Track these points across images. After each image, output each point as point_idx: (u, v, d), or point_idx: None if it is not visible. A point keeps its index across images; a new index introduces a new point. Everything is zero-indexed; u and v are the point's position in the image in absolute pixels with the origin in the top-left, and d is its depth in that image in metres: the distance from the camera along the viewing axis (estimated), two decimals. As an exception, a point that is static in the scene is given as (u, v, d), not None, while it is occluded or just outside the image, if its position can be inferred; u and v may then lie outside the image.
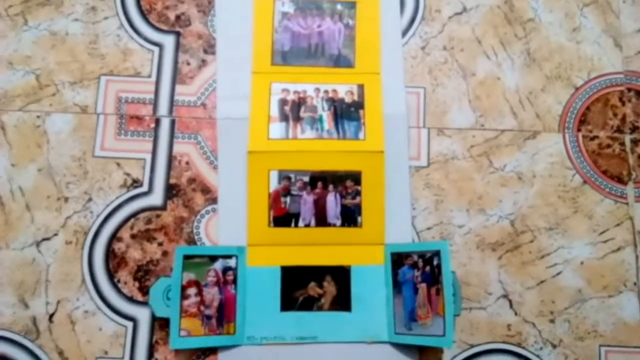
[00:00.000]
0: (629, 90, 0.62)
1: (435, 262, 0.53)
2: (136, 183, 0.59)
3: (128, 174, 0.60)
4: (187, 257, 0.55)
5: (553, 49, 0.63)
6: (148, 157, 0.60)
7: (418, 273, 0.54)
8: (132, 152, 0.60)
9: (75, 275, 0.57)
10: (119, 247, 0.58)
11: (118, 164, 0.60)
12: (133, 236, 0.58)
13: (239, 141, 0.60)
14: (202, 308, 0.54)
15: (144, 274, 0.57)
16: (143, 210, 0.59)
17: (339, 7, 0.62)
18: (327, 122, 0.59)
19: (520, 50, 0.63)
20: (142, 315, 0.56)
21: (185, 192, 0.59)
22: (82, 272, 0.57)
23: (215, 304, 0.55)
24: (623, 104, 0.62)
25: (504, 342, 0.56)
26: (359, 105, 0.59)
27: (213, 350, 0.55)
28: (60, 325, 0.56)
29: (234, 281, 0.56)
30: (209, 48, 0.63)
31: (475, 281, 0.57)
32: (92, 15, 0.64)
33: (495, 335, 0.56)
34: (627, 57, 0.63)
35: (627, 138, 0.61)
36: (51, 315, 0.56)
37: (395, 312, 0.54)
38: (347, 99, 0.60)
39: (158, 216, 0.59)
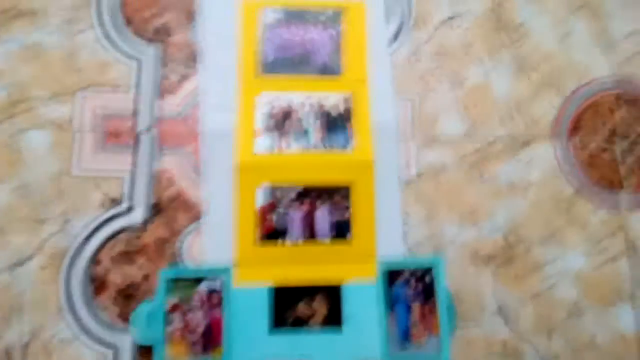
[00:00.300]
0: (619, 96, 0.61)
1: (428, 279, 0.51)
2: (115, 202, 0.57)
3: (106, 193, 0.57)
4: (171, 281, 0.52)
5: (543, 56, 0.62)
6: (128, 174, 0.58)
7: (411, 291, 0.52)
8: (111, 170, 0.58)
9: (51, 301, 0.54)
10: (98, 270, 0.55)
11: (96, 183, 0.57)
12: (113, 259, 0.55)
13: (224, 155, 0.57)
14: (186, 333, 0.51)
15: (125, 299, 0.55)
16: (123, 230, 0.56)
17: (324, 16, 0.61)
18: (315, 135, 0.57)
19: (510, 58, 0.62)
20: (124, 342, 0.53)
21: (167, 210, 0.57)
22: (59, 297, 0.54)
23: (201, 328, 0.52)
24: (614, 111, 0.61)
25: None
26: (346, 115, 0.58)
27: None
28: (35, 355, 0.53)
29: (220, 303, 0.53)
30: (191, 60, 0.61)
31: (469, 296, 0.55)
32: (68, 27, 0.62)
33: (492, 354, 0.54)
34: (617, 63, 0.62)
35: (618, 146, 0.60)
36: (26, 345, 0.53)
37: (389, 332, 0.52)
38: (334, 110, 0.58)
39: (139, 237, 0.56)
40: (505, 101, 0.61)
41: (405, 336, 0.51)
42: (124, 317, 0.54)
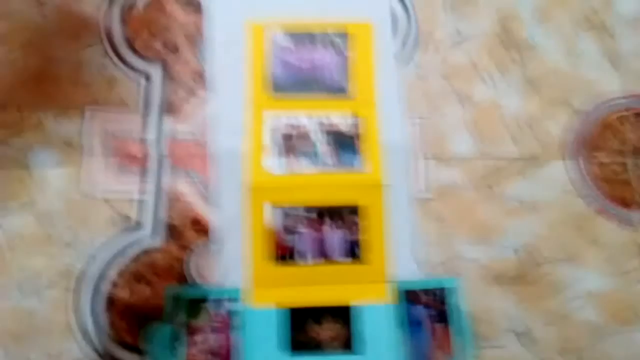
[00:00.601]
0: (630, 112, 0.61)
1: (446, 301, 0.50)
2: (125, 221, 0.56)
3: (117, 212, 0.57)
4: (181, 300, 0.52)
5: (551, 74, 0.62)
6: (138, 193, 0.57)
7: (428, 312, 0.52)
8: (120, 189, 0.57)
9: (61, 321, 0.53)
10: (109, 290, 0.55)
11: (106, 201, 0.57)
12: (124, 278, 0.55)
13: (234, 174, 0.57)
14: (198, 355, 0.51)
15: (136, 318, 0.54)
16: (133, 250, 0.56)
17: (331, 37, 0.61)
18: (324, 155, 0.57)
19: (518, 76, 0.62)
20: (133, 362, 0.53)
21: (177, 229, 0.56)
22: (67, 316, 0.54)
23: (214, 350, 0.51)
24: (625, 127, 0.60)
25: (515, 381, 0.53)
26: (355, 135, 0.58)
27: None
28: (44, 376, 0.52)
29: (232, 325, 0.53)
30: (199, 78, 0.61)
31: (488, 318, 0.55)
32: (75, 42, 0.62)
33: (507, 374, 0.53)
34: (626, 80, 0.62)
35: (631, 162, 0.59)
36: (34, 366, 0.52)
37: (405, 354, 0.52)
38: (344, 130, 0.58)
39: (150, 256, 0.56)
40: (516, 119, 0.60)
41: (423, 358, 0.51)
42: (135, 336, 0.53)
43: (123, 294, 0.54)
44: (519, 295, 0.55)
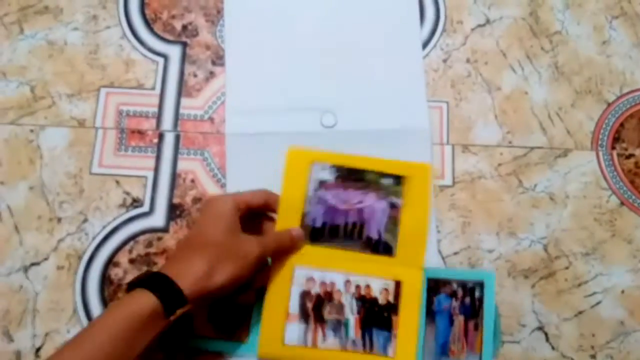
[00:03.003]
0: (665, 106, 0.58)
1: (477, 294, 0.48)
2: (136, 203, 0.55)
3: (128, 193, 0.55)
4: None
5: (582, 63, 0.60)
6: (150, 174, 0.55)
7: (456, 303, 0.49)
8: (132, 169, 0.56)
9: (66, 304, 0.51)
10: (115, 272, 0.53)
11: (117, 182, 0.55)
12: (132, 261, 0.53)
13: (249, 158, 0.55)
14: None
15: (143, 303, 0.52)
16: (143, 232, 0.54)
17: (385, 181, 0.53)
18: (354, 329, 0.49)
19: (548, 64, 0.59)
20: (140, 349, 0.50)
21: (190, 212, 0.54)
22: (74, 300, 0.52)
23: None
24: (659, 120, 0.58)
25: (541, 380, 0.50)
26: (392, 309, 0.49)
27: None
28: (48, 361, 0.50)
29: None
30: (218, 59, 0.59)
31: (508, 312, 0.52)
32: (93, 24, 0.60)
33: (531, 373, 0.51)
34: (660, 72, 0.59)
35: (665, 156, 0.57)
36: (38, 349, 0.50)
37: (425, 344, 0.49)
38: (381, 300, 0.49)
39: (160, 239, 0.53)
40: (545, 109, 0.58)
41: (443, 350, 0.48)
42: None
43: (130, 276, 0.52)
44: (539, 289, 0.52)
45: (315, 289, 0.50)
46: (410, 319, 0.49)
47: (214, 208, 0.46)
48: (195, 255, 0.43)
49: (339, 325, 0.49)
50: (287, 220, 0.51)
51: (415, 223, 0.52)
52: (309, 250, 0.51)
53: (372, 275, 0.50)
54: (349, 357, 0.48)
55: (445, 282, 0.50)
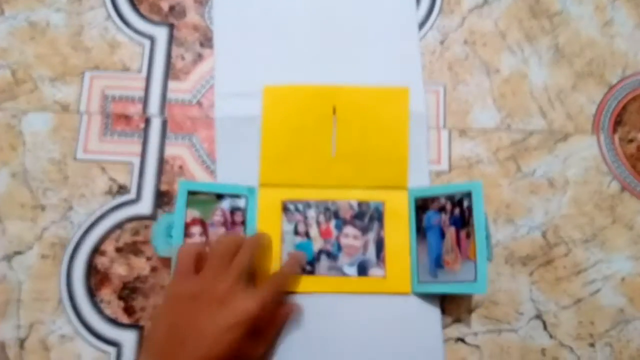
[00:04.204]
0: (668, 88, 0.56)
1: (465, 204, 0.47)
2: (122, 189, 0.53)
3: (113, 180, 0.53)
4: (191, 194, 0.49)
5: (584, 44, 0.58)
6: (136, 160, 0.54)
7: (446, 217, 0.49)
8: (118, 155, 0.54)
9: (51, 294, 0.50)
10: (101, 261, 0.51)
11: (102, 168, 0.53)
12: (118, 249, 0.51)
13: (239, 143, 0.53)
14: (207, 249, 0.47)
15: (130, 293, 0.50)
16: (130, 220, 0.52)
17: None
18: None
19: (548, 46, 0.58)
20: (127, 339, 0.49)
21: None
22: (60, 290, 0.50)
23: None
24: (662, 103, 0.56)
25: (538, 370, 0.49)
26: None
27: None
28: (32, 352, 0.49)
29: (243, 222, 0.50)
30: (206, 41, 0.57)
31: (505, 300, 0.51)
32: (77, 5, 0.58)
33: (529, 362, 0.49)
34: (664, 53, 0.57)
35: (668, 141, 0.55)
36: (22, 341, 0.49)
37: (419, 261, 0.49)
38: None
39: (147, 227, 0.52)
40: (545, 92, 0.56)
41: (437, 263, 0.48)
42: (129, 312, 0.50)
43: (119, 268, 0.51)
44: (537, 277, 0.51)
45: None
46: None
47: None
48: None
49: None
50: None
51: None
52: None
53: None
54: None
55: (434, 199, 0.50)
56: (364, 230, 0.51)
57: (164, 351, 0.40)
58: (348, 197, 0.52)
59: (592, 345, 0.50)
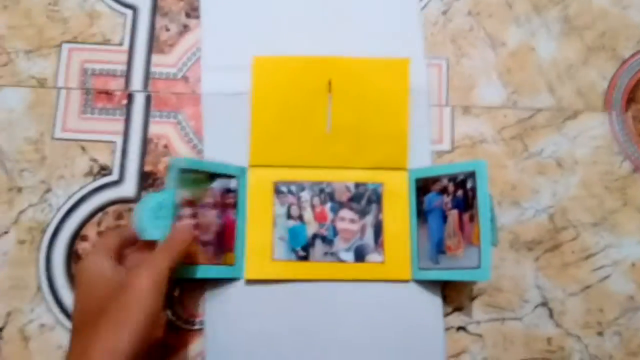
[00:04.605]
0: (684, 62, 0.53)
1: (469, 185, 0.44)
2: (104, 170, 0.50)
3: (95, 160, 0.50)
4: (182, 172, 0.44)
5: (595, 16, 0.54)
6: (119, 139, 0.50)
7: (448, 199, 0.46)
8: (99, 134, 0.50)
9: (29, 281, 0.47)
10: (83, 247, 0.48)
11: (83, 148, 0.50)
12: (100, 234, 0.48)
13: (227, 121, 0.50)
14: (198, 232, 0.44)
15: (113, 280, 0.47)
16: (112, 202, 0.49)
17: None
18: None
19: (557, 17, 0.54)
20: (111, 329, 0.46)
21: (163, 181, 0.49)
22: (38, 277, 0.47)
23: (214, 228, 0.45)
24: (678, 78, 0.53)
25: (543, 359, 0.47)
26: None
27: (199, 286, 0.46)
28: (10, 342, 0.46)
29: (235, 205, 0.47)
30: (192, 11, 0.53)
31: (509, 286, 0.48)
32: (53, -28, 0.54)
33: (534, 351, 0.47)
34: (681, 25, 0.54)
35: (683, 118, 0.52)
36: (0, 330, 0.46)
37: (419, 245, 0.47)
38: None
39: (130, 210, 0.49)
40: (554, 66, 0.53)
41: (439, 249, 0.46)
42: (112, 301, 0.47)
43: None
44: (543, 262, 0.49)
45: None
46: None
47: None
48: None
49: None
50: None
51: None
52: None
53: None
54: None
55: (435, 180, 0.47)
56: (362, 214, 0.48)
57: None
58: (344, 179, 0.49)
59: (600, 334, 0.47)
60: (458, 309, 0.48)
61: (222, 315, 0.46)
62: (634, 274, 0.49)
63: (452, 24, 0.54)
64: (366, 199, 0.49)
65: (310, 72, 0.50)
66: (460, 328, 0.47)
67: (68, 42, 0.52)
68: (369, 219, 0.48)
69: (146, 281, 0.37)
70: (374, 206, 0.49)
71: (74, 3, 0.53)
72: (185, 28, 0.53)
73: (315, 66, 0.50)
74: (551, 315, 0.48)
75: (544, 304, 0.48)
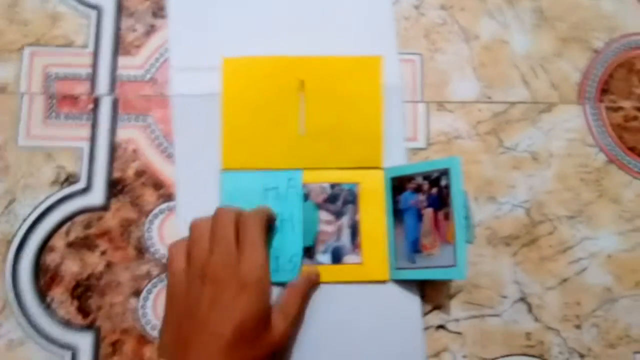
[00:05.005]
0: (656, 52, 0.53)
1: (443, 183, 0.44)
2: (71, 178, 0.48)
3: (61, 167, 0.48)
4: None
5: (568, 7, 0.54)
6: (86, 145, 0.49)
7: (423, 197, 0.45)
8: (65, 140, 0.49)
9: (-5, 295, 0.46)
10: (51, 258, 0.47)
11: (48, 155, 0.48)
12: (69, 244, 0.47)
13: (198, 123, 0.49)
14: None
15: (84, 291, 0.46)
16: (81, 211, 0.47)
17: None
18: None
19: (531, 9, 0.54)
20: (83, 342, 0.45)
21: (133, 187, 0.48)
22: (5, 291, 0.46)
23: None
24: (650, 69, 0.53)
25: (523, 355, 0.47)
26: None
27: None
28: (-23, 360, 0.44)
29: None
30: (159, 10, 0.52)
31: (487, 283, 0.48)
32: (11, -28, 0.52)
33: (513, 346, 0.47)
34: (652, 15, 0.54)
35: (656, 109, 0.52)
36: (-35, 348, 0.45)
37: (396, 245, 0.46)
38: None
39: (100, 218, 0.47)
40: (526, 59, 0.52)
41: (415, 248, 0.45)
42: (84, 312, 0.46)
43: (71, 264, 0.46)
44: (521, 257, 0.48)
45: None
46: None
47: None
48: None
49: None
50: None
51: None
52: None
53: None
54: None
55: (410, 178, 0.46)
56: (338, 215, 0.48)
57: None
58: (319, 180, 0.48)
59: (578, 327, 0.48)
60: (437, 307, 0.47)
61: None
62: (610, 266, 0.49)
63: (424, 19, 0.53)
64: (342, 200, 0.48)
65: (282, 72, 0.49)
66: (440, 327, 0.47)
67: (29, 45, 0.50)
68: (345, 220, 0.48)
69: (282, 332, 0.41)
70: (350, 207, 0.48)
71: (35, 4, 0.51)
72: (152, 28, 0.51)
73: (286, 66, 0.49)
74: (530, 310, 0.48)
75: (523, 299, 0.48)
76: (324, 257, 0.47)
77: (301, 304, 0.44)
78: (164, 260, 0.47)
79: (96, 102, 0.50)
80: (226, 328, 0.37)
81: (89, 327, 0.45)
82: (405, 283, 0.47)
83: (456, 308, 0.47)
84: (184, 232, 0.44)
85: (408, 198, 0.46)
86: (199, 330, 0.37)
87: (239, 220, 0.41)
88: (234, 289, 0.38)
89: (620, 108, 0.52)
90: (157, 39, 0.51)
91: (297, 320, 0.43)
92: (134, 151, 0.49)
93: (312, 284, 0.45)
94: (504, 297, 0.48)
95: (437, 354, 0.47)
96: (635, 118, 0.52)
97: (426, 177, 0.45)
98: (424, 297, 0.47)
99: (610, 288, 0.48)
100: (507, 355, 0.47)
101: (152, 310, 0.46)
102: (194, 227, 0.42)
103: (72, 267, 0.46)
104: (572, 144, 0.51)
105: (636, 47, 0.53)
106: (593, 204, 0.50)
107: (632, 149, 0.51)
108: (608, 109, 0.52)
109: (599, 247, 0.49)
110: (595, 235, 0.49)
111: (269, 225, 0.45)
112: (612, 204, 0.50)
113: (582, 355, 0.47)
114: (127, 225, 0.47)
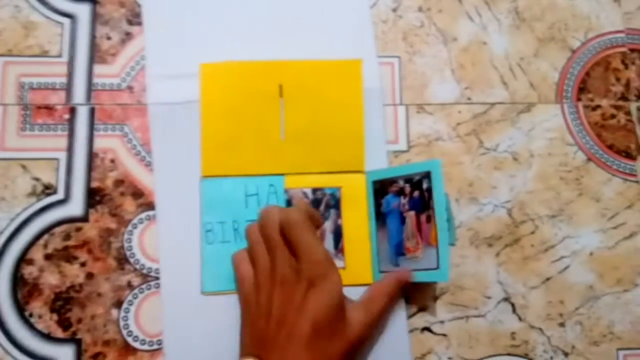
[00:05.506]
0: (632, 51, 0.54)
1: (425, 186, 0.44)
2: (49, 190, 0.47)
3: (37, 179, 0.47)
4: None
5: (545, 7, 0.54)
6: (62, 156, 0.48)
7: (405, 200, 0.45)
8: (41, 151, 0.48)
9: (-28, 311, 0.45)
10: (29, 271, 0.46)
11: (24, 167, 0.47)
12: (48, 257, 0.46)
13: (176, 131, 0.48)
14: None
15: (64, 304, 0.45)
16: (59, 223, 0.47)
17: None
18: None
19: (508, 10, 0.54)
20: (64, 355, 0.44)
21: (112, 197, 0.47)
22: (-18, 307, 0.45)
23: None
24: (626, 67, 0.53)
25: (508, 355, 0.47)
26: None
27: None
28: (-46, 378, 0.44)
29: None
30: (134, 17, 0.51)
31: (471, 284, 0.48)
32: (-17, -19, 0.51)
33: (498, 347, 0.47)
34: (627, 14, 0.54)
35: (633, 106, 0.52)
36: (-59, 367, 0.44)
37: (379, 248, 0.46)
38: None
39: (79, 229, 0.47)
40: (504, 60, 0.53)
41: (398, 251, 0.45)
42: (64, 325, 0.45)
43: (50, 277, 0.46)
44: (504, 257, 0.49)
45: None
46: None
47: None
48: None
49: None
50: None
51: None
52: None
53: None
54: None
55: (391, 182, 0.46)
56: None
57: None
58: (301, 185, 0.48)
59: (562, 325, 0.48)
60: (421, 309, 0.47)
61: (181, 331, 0.45)
62: (592, 263, 0.49)
63: (402, 21, 0.53)
64: (324, 205, 0.48)
65: (261, 77, 0.49)
66: (425, 329, 0.47)
67: (2, 55, 0.49)
68: (328, 225, 0.47)
69: (362, 327, 0.41)
70: (332, 211, 0.48)
71: (7, 13, 0.50)
72: (128, 36, 0.51)
73: (265, 71, 0.49)
74: (514, 310, 0.48)
75: (506, 299, 0.48)
76: (307, 263, 0.46)
77: (387, 303, 0.43)
78: (144, 271, 0.46)
79: (72, 111, 0.49)
80: (303, 328, 0.37)
81: (70, 339, 0.45)
82: (389, 286, 0.46)
83: (441, 310, 0.47)
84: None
85: (390, 201, 0.46)
86: (277, 331, 0.38)
87: (282, 220, 0.41)
88: (303, 288, 0.39)
89: (598, 106, 0.52)
90: (133, 46, 0.50)
91: (379, 317, 0.43)
92: (112, 160, 0.48)
93: (402, 285, 0.45)
94: (488, 297, 0.48)
95: (422, 357, 0.46)
96: (613, 116, 0.52)
97: (408, 180, 0.45)
98: (408, 300, 0.47)
99: (592, 286, 0.49)
100: (493, 356, 0.47)
101: (133, 321, 0.45)
102: (248, 233, 0.43)
103: (51, 280, 0.46)
104: (552, 143, 0.51)
105: (612, 46, 0.54)
106: (574, 203, 0.50)
107: (610, 147, 0.51)
108: (586, 107, 0.52)
109: (581, 245, 0.49)
110: (576, 234, 0.50)
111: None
112: (593, 202, 0.50)
113: (566, 354, 0.47)
114: (106, 236, 0.47)
